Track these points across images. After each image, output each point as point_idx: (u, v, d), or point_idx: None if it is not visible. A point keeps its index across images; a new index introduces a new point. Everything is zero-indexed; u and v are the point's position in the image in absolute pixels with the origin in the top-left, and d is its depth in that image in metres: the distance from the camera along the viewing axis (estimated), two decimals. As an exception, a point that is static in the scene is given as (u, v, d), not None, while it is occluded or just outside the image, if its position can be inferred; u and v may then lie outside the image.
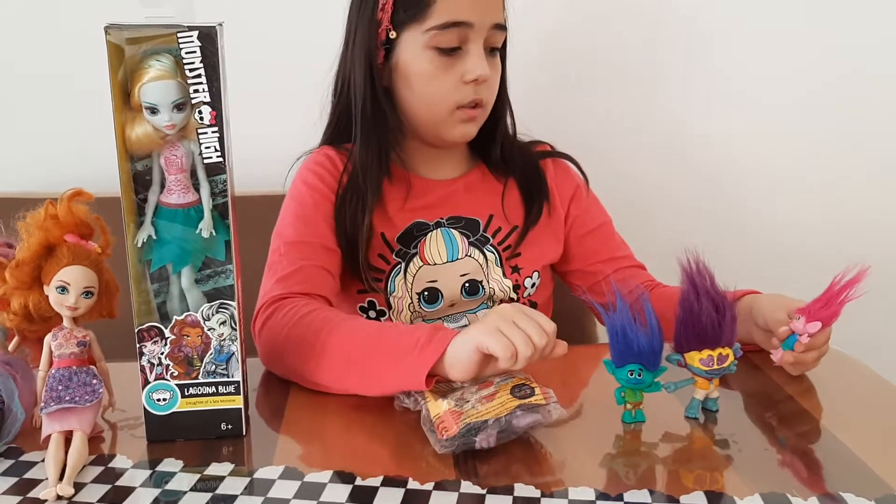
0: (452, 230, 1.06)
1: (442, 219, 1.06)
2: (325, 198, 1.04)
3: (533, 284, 1.08)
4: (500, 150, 1.10)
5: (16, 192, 1.30)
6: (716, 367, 0.75)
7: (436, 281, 1.04)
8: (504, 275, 1.06)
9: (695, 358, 0.75)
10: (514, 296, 1.07)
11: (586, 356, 0.94)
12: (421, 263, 1.04)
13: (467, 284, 1.05)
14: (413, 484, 0.66)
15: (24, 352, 0.82)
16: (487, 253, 1.06)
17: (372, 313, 1.05)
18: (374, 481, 0.66)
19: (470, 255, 1.06)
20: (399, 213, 1.05)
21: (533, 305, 1.09)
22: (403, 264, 1.04)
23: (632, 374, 0.74)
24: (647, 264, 1.14)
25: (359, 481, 0.66)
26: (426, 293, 1.04)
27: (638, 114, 1.42)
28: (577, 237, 1.13)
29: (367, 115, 1.02)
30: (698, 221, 1.45)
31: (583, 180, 1.15)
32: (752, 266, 1.42)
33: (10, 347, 0.81)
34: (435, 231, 1.05)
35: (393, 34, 0.99)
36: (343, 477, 0.67)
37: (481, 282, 1.05)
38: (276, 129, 1.28)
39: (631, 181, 1.42)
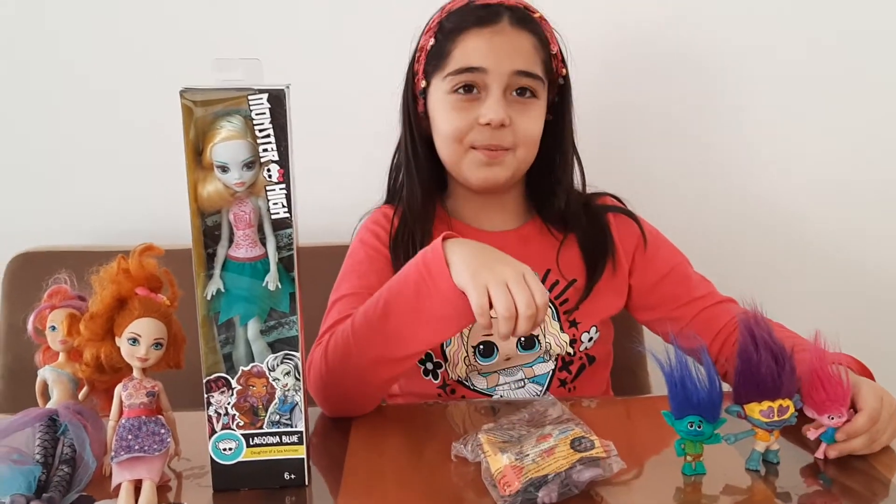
0: None
1: None
2: (379, 252, 1.06)
3: (590, 339, 1.08)
4: (561, 204, 1.10)
5: (89, 245, 1.35)
6: (776, 418, 0.75)
7: (492, 335, 1.05)
8: (561, 329, 1.06)
9: (755, 409, 0.75)
10: (570, 350, 1.07)
11: (645, 408, 0.94)
12: None
13: (523, 339, 1.05)
14: (475, 535, 0.66)
15: (93, 402, 0.85)
16: None
17: (429, 364, 1.06)
18: (437, 532, 0.67)
19: None
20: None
21: (591, 360, 1.08)
22: None
23: (692, 426, 0.74)
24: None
25: (421, 532, 0.67)
26: (481, 347, 1.05)
27: (692, 152, 1.44)
28: (650, 286, 1.11)
29: (408, 161, 1.07)
30: (751, 252, 1.46)
31: (647, 228, 1.13)
32: (808, 286, 1.43)
33: (80, 397, 0.83)
34: None
35: (423, 83, 1.05)
36: (406, 527, 0.68)
37: (537, 336, 1.06)
38: (334, 181, 1.32)
39: (682, 216, 1.42)
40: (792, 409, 0.75)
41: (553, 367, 1.07)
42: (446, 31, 1.02)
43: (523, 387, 1.06)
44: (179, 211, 0.73)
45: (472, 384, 1.06)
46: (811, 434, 0.79)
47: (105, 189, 1.41)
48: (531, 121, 1.04)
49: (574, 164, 1.11)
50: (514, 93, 1.02)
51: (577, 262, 1.09)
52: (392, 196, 1.13)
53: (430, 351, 1.05)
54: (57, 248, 1.32)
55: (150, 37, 1.36)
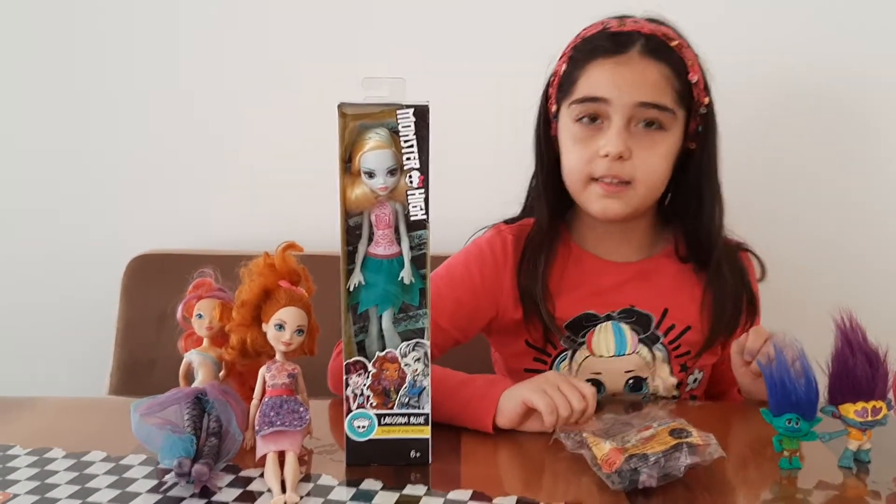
0: (623, 324, 1.06)
1: (613, 312, 1.06)
2: (472, 279, 1.07)
3: (695, 380, 1.10)
4: (699, 243, 1.07)
5: (202, 249, 1.46)
6: (869, 419, 0.80)
7: (600, 373, 1.06)
8: (671, 373, 1.08)
9: (849, 410, 0.80)
10: (676, 393, 1.08)
11: (742, 410, 0.99)
12: (587, 353, 1.06)
13: (631, 381, 1.07)
14: (592, 511, 0.73)
15: (229, 385, 0.93)
16: (656, 352, 1.07)
17: None
18: (557, 506, 0.73)
19: (638, 353, 1.06)
20: (570, 298, 1.06)
21: (693, 399, 1.10)
22: (570, 352, 1.07)
23: (789, 423, 0.79)
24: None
25: (543, 506, 0.73)
26: (589, 383, 1.05)
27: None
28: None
29: (538, 182, 1.09)
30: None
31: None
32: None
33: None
34: (605, 324, 1.06)
35: (554, 107, 1.06)
36: (527, 502, 0.74)
37: (646, 379, 1.07)
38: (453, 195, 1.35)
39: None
40: (885, 411, 0.80)
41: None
42: (576, 59, 1.02)
43: None
44: (282, 219, 0.79)
45: None
46: None
47: (216, 196, 1.51)
48: (655, 156, 1.01)
49: (716, 200, 1.06)
50: (641, 124, 1.00)
51: (700, 309, 1.07)
52: (526, 214, 1.14)
53: None
54: (173, 251, 1.43)
55: (290, 54, 1.45)
